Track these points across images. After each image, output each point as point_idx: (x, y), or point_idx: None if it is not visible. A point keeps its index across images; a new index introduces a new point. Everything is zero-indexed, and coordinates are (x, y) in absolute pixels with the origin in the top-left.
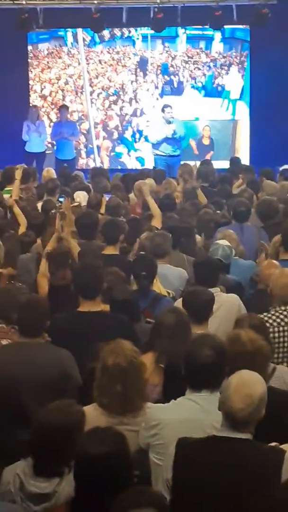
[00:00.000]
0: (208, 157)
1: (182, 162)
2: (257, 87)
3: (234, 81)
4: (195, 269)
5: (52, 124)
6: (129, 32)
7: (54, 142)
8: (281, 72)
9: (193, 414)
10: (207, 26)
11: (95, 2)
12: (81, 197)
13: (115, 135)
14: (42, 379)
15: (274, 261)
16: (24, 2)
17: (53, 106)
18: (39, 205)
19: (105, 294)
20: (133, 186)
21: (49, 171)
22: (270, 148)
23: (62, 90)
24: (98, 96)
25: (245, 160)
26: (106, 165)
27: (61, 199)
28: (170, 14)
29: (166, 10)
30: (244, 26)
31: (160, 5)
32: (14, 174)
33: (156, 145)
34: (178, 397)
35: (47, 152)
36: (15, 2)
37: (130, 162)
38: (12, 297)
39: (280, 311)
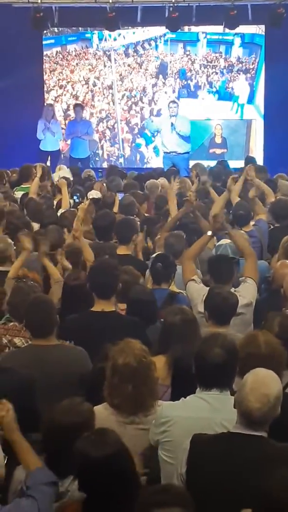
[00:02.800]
0: (218, 152)
1: (195, 162)
2: (272, 87)
3: (242, 86)
4: (211, 265)
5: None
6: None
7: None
8: None
9: (202, 413)
10: (221, 26)
11: (110, 1)
12: (94, 196)
13: (136, 130)
14: (59, 381)
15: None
16: (39, 1)
17: (84, 105)
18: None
19: (120, 294)
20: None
21: (61, 169)
22: (284, 148)
23: (92, 91)
24: (122, 97)
25: (258, 160)
26: (127, 154)
27: (74, 198)
28: (185, 13)
29: (181, 9)
30: (259, 26)
31: (175, 4)
32: (31, 172)
33: (163, 140)
34: (186, 396)
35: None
36: (30, 1)
37: (148, 152)
38: (25, 295)
39: None
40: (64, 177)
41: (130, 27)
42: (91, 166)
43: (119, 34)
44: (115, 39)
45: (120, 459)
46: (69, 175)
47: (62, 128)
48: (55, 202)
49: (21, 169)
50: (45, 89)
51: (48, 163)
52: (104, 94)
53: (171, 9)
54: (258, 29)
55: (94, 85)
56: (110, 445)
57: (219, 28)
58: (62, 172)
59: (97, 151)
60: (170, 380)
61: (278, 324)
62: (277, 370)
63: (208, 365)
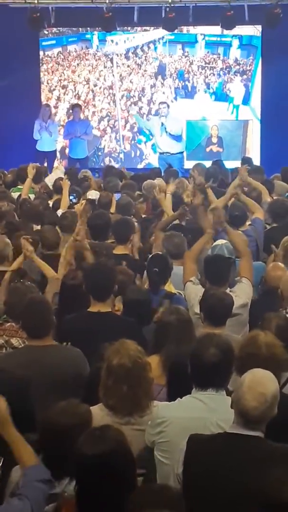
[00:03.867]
0: (214, 150)
1: (191, 162)
2: (268, 87)
3: (238, 87)
4: (207, 266)
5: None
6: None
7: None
8: None
9: (198, 413)
10: (219, 27)
11: (107, 1)
12: (93, 195)
13: (135, 129)
14: (55, 381)
15: (280, 263)
16: (36, 1)
17: (85, 105)
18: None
19: (115, 293)
20: (142, 186)
21: (58, 168)
22: (281, 149)
23: (93, 91)
24: (122, 97)
25: (255, 160)
26: (127, 150)
27: (71, 197)
28: (182, 13)
29: (178, 10)
30: (257, 27)
31: (172, 5)
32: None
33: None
34: (182, 396)
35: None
36: (27, 1)
37: (146, 149)
38: (21, 295)
39: None
40: (61, 178)
41: (130, 31)
42: (92, 165)
43: (121, 39)
44: (116, 44)
45: (117, 457)
46: (61, 175)
47: (61, 125)
48: (51, 202)
49: (18, 170)
50: (48, 89)
51: (45, 164)
52: (104, 94)
53: (167, 9)
54: (256, 31)
55: (95, 85)
56: (109, 442)
57: (217, 30)
58: (56, 173)
59: (99, 146)
60: (164, 379)
61: (275, 325)
62: (276, 372)
63: (203, 365)
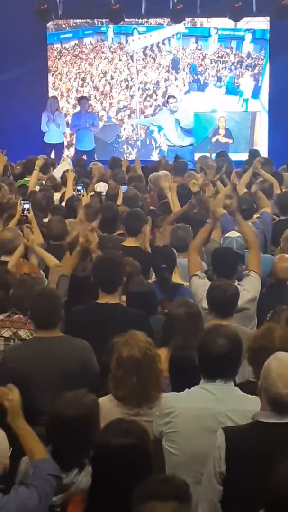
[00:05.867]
0: (221, 140)
1: (199, 154)
2: (276, 79)
3: (248, 81)
4: (214, 259)
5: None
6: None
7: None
8: None
9: (207, 403)
10: (227, 18)
11: None
12: (102, 187)
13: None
14: (62, 373)
15: (287, 255)
16: None
17: (103, 96)
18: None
19: (123, 285)
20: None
21: (65, 160)
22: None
23: (110, 84)
24: (138, 89)
25: (263, 153)
26: (142, 138)
27: (79, 188)
28: (189, 5)
29: (185, 1)
30: (268, 20)
31: None
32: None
33: (165, 135)
34: (184, 388)
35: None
36: None
37: (160, 138)
38: (29, 287)
39: None
40: (67, 170)
41: (142, 23)
42: (112, 151)
43: (140, 38)
44: (133, 41)
45: (139, 452)
46: (69, 167)
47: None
48: (59, 195)
49: (26, 162)
50: (68, 80)
51: (53, 155)
52: (121, 87)
53: (175, 0)
54: (269, 25)
55: (112, 78)
56: (133, 436)
57: (230, 24)
58: (62, 165)
59: (119, 133)
60: None
61: (286, 318)
62: None
63: (212, 356)
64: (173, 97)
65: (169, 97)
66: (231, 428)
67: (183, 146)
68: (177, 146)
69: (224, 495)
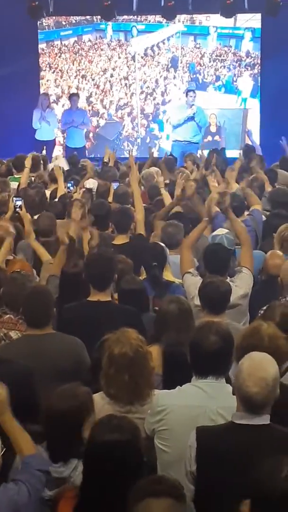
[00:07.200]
0: (212, 139)
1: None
2: (268, 75)
3: (246, 80)
4: (206, 256)
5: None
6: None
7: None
8: None
9: (198, 401)
10: (218, 14)
11: None
12: (91, 184)
13: (150, 117)
14: (55, 370)
15: (278, 251)
16: None
17: (104, 94)
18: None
19: (114, 283)
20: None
21: (58, 158)
22: (280, 137)
23: (109, 81)
24: (138, 87)
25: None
26: (143, 134)
27: (69, 185)
28: (181, 1)
29: None
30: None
31: None
32: (25, 162)
33: (176, 127)
34: (178, 385)
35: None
36: None
37: (159, 135)
38: (20, 285)
39: None
40: (58, 167)
41: (140, 21)
42: (114, 147)
43: (141, 39)
44: (132, 37)
45: (130, 448)
46: (64, 164)
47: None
48: (48, 192)
49: (15, 158)
50: (69, 77)
51: (44, 153)
52: (121, 84)
53: None
54: (260, 22)
55: (112, 76)
56: (125, 432)
57: (230, 22)
58: (58, 162)
59: (121, 131)
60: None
61: (280, 314)
62: (277, 364)
63: (203, 353)
64: (192, 91)
65: (188, 91)
66: (205, 427)
67: (191, 143)
68: (186, 142)
69: (195, 494)
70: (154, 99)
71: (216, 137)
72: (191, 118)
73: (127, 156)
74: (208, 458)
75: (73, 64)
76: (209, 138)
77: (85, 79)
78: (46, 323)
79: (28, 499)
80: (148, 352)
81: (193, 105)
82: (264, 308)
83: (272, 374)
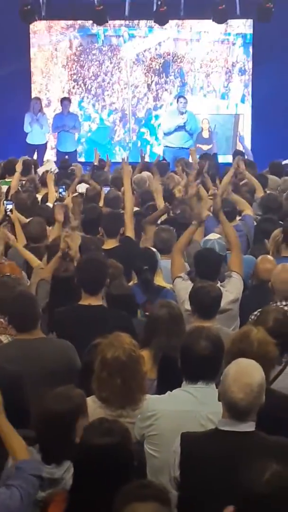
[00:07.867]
0: (204, 149)
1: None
2: (259, 81)
3: (237, 85)
4: (197, 261)
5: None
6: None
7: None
8: (284, 68)
9: (188, 406)
10: (210, 20)
11: None
12: (83, 189)
13: (142, 122)
14: (46, 374)
15: (269, 256)
16: None
17: (95, 98)
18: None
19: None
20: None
21: (49, 162)
22: (271, 143)
23: (101, 86)
24: (129, 92)
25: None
26: (134, 139)
27: (60, 190)
28: (173, 7)
29: (169, 3)
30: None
31: None
32: (15, 166)
33: (167, 134)
34: (171, 390)
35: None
36: None
37: (150, 140)
38: (10, 289)
39: (282, 306)
40: (46, 171)
41: (134, 26)
42: (107, 151)
43: (133, 44)
44: (124, 43)
45: (121, 452)
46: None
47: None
48: (40, 196)
49: (5, 162)
50: (63, 81)
51: (35, 157)
52: (113, 89)
53: (159, 2)
54: (252, 28)
55: (103, 80)
56: (116, 436)
57: (221, 28)
58: (48, 166)
59: (113, 136)
60: (155, 373)
61: (273, 319)
62: (266, 369)
63: (194, 358)
64: (183, 97)
65: (179, 97)
66: (190, 434)
67: (183, 148)
68: (177, 147)
69: (178, 500)
70: (146, 103)
71: (209, 146)
72: (182, 127)
73: (119, 160)
74: (191, 464)
75: (65, 69)
76: (201, 146)
77: (77, 84)
78: (33, 327)
79: (21, 504)
80: (141, 357)
81: (183, 112)
82: (255, 313)
83: (258, 380)
